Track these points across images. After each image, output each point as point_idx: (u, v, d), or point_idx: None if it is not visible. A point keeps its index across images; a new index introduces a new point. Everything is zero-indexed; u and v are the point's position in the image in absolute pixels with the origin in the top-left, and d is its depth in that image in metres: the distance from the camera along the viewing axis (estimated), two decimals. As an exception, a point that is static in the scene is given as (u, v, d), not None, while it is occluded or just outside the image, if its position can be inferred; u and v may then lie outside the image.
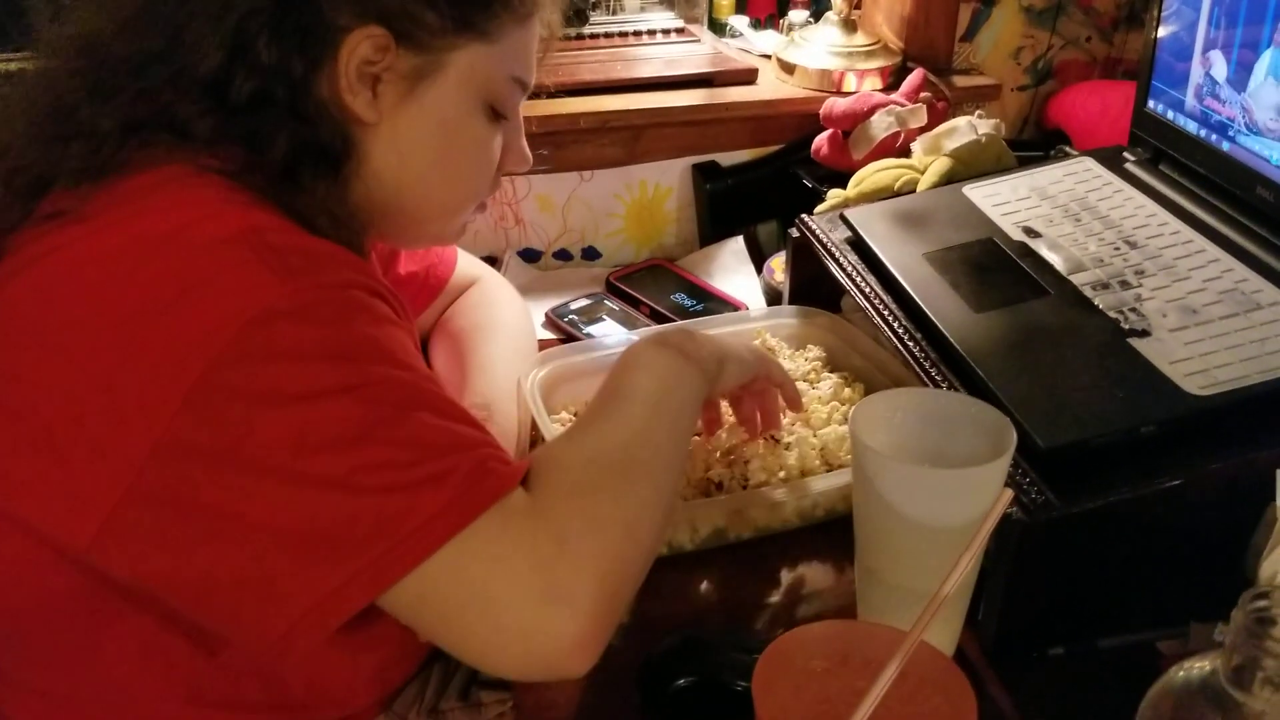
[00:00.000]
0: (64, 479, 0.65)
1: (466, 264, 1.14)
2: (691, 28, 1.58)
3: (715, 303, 1.29)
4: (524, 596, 0.61)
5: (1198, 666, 0.53)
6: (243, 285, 0.64)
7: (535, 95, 1.34)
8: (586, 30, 1.53)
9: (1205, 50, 1.01)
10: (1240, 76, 0.97)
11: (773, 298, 1.28)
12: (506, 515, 0.63)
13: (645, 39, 1.54)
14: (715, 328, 1.12)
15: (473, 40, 0.77)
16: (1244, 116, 0.97)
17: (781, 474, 0.94)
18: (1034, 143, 1.49)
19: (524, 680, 0.65)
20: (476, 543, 0.61)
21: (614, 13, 1.59)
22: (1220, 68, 0.99)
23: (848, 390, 1.04)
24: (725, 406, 0.99)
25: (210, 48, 0.71)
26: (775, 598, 0.88)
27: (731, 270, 1.38)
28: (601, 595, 0.62)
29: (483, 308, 1.10)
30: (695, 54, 1.50)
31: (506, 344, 1.07)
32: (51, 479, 0.65)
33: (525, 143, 0.88)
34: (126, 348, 0.63)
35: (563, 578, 0.61)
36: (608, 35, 1.53)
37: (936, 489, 0.71)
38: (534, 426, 1.00)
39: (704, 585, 0.89)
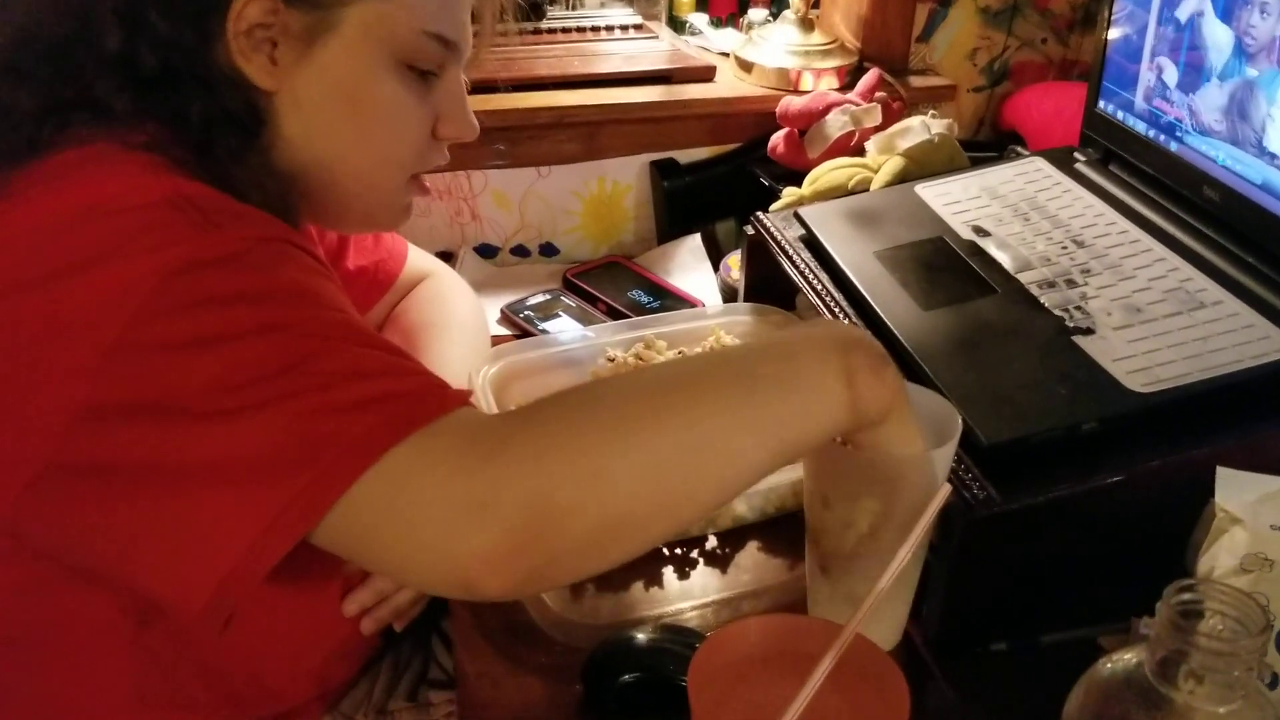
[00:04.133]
0: None
1: (417, 259, 1.13)
2: (650, 24, 1.58)
3: (672, 300, 1.30)
4: (443, 499, 0.57)
5: (1124, 659, 0.53)
6: (166, 240, 0.63)
7: (492, 89, 1.36)
8: (544, 25, 1.53)
9: (1154, 52, 1.02)
10: (1189, 78, 0.98)
11: (729, 295, 1.29)
12: (450, 427, 0.59)
13: (603, 35, 1.54)
14: (671, 324, 1.12)
15: None
16: (1191, 117, 0.98)
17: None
18: (988, 143, 1.50)
19: (441, 594, 0.61)
20: (410, 453, 0.58)
21: (572, 8, 1.59)
22: (1169, 69, 1.01)
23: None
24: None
25: (109, 24, 0.71)
26: (726, 593, 0.88)
27: (689, 268, 1.38)
28: (528, 516, 0.57)
29: (435, 303, 1.10)
30: (653, 51, 1.50)
31: (459, 340, 1.06)
32: None
33: (469, 110, 0.83)
34: (47, 313, 0.62)
35: (486, 483, 0.57)
36: (565, 30, 1.53)
37: (883, 475, 0.71)
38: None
39: (654, 580, 0.89)
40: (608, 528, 0.59)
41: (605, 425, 0.60)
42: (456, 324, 1.07)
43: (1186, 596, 0.50)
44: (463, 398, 0.63)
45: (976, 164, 1.18)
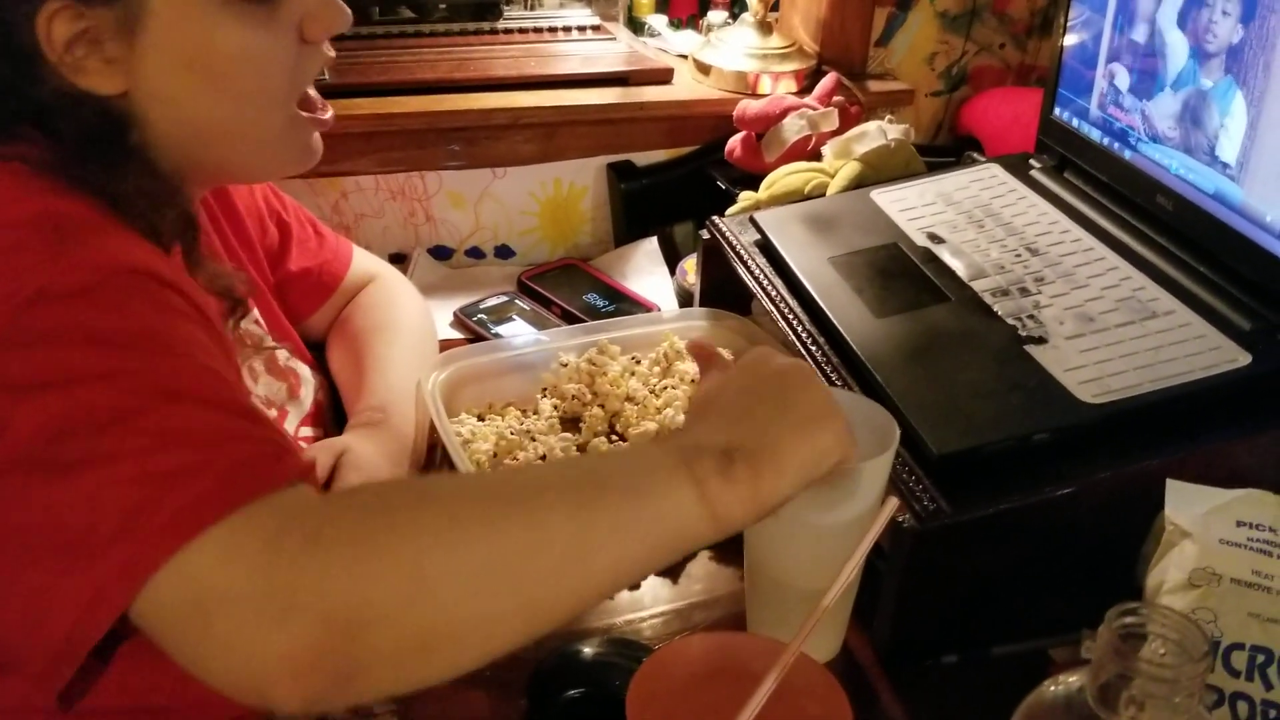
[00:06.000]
0: None
1: (363, 261, 1.11)
2: (608, 25, 1.57)
3: (628, 304, 1.28)
4: (244, 595, 0.52)
5: (1067, 682, 0.53)
6: (18, 267, 0.60)
7: (449, 90, 1.34)
8: (501, 25, 1.51)
9: (1109, 59, 1.02)
10: (1143, 85, 0.98)
11: (685, 299, 1.27)
12: (267, 510, 0.54)
13: (561, 35, 1.52)
14: (626, 329, 1.11)
15: None
16: (1144, 125, 0.98)
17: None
18: (945, 148, 1.49)
19: (235, 699, 0.53)
20: (220, 537, 0.53)
21: (530, 8, 1.57)
22: (1123, 76, 1.00)
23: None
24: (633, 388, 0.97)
25: None
26: (678, 603, 0.87)
27: (645, 271, 1.37)
28: (335, 618, 0.51)
29: (381, 307, 1.08)
30: (611, 52, 1.49)
31: (406, 344, 1.04)
32: None
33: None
34: None
35: (291, 578, 0.52)
36: (522, 31, 1.51)
37: (820, 484, 0.70)
38: (432, 430, 0.98)
39: (601, 592, 0.87)
40: (426, 637, 0.53)
41: (431, 523, 0.54)
42: (404, 329, 1.06)
43: (1129, 620, 0.49)
44: (295, 470, 0.57)
45: (933, 169, 1.18)
